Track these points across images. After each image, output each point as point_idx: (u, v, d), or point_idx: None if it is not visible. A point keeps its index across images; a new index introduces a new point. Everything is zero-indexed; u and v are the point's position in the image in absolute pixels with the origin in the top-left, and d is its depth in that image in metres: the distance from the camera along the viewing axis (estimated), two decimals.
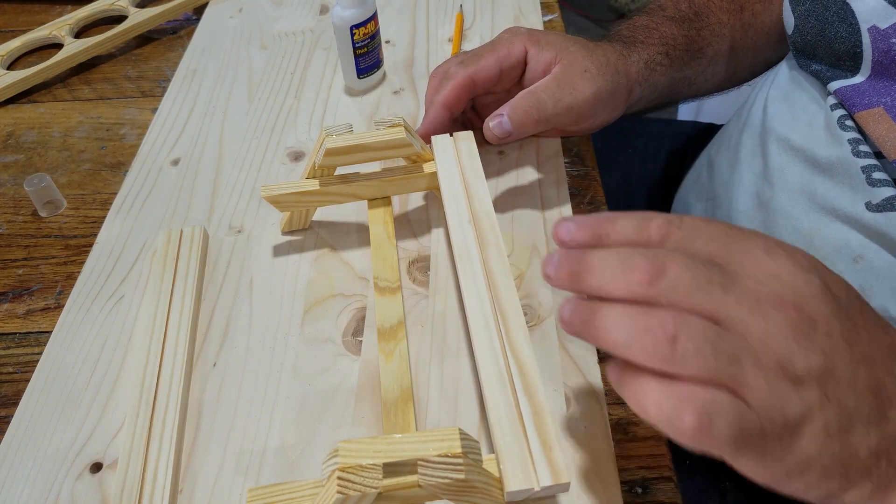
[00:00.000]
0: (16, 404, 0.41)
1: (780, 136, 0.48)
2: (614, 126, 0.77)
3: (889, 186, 0.39)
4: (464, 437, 0.28)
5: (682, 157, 0.74)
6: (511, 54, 0.47)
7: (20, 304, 0.47)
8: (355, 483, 0.27)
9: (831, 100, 0.44)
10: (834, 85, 0.43)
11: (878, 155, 0.41)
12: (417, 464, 0.27)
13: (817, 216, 0.43)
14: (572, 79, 0.46)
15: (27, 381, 0.42)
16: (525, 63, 0.48)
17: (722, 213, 0.54)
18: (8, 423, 0.40)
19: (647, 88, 0.51)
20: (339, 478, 0.27)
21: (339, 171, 0.46)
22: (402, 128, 0.43)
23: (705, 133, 0.76)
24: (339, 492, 0.27)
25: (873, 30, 0.39)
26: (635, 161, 0.74)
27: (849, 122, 0.42)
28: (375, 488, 0.27)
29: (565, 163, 0.53)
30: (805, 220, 0.44)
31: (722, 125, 0.76)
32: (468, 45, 0.66)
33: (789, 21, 0.48)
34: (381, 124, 0.43)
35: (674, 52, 0.52)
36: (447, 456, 0.27)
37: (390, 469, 0.27)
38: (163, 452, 0.37)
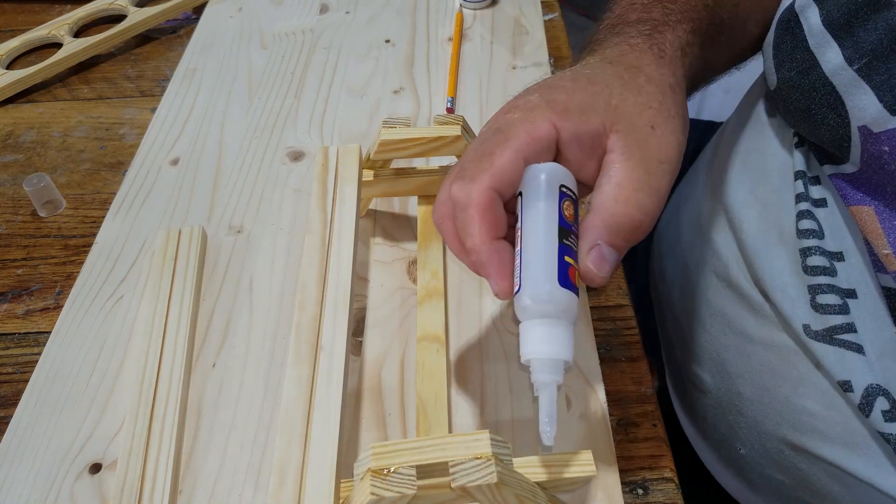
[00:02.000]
0: (15, 404, 0.41)
1: (736, 221, 0.44)
2: None
3: (836, 314, 0.36)
4: (494, 439, 0.28)
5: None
6: (536, 138, 0.31)
7: (19, 304, 0.47)
8: (389, 484, 0.27)
9: (799, 186, 0.39)
10: (828, 170, 0.39)
11: (838, 256, 0.37)
12: (448, 466, 0.27)
13: (774, 311, 0.40)
14: (649, 149, 0.32)
15: (26, 381, 0.42)
16: (557, 145, 0.32)
17: (688, 287, 0.50)
18: (7, 423, 0.40)
19: (689, 78, 0.39)
20: (373, 479, 0.27)
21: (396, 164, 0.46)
22: (460, 126, 0.42)
23: (705, 132, 0.75)
24: (372, 493, 0.27)
25: (864, 130, 0.34)
26: None
27: (808, 224, 0.38)
28: (412, 490, 0.27)
29: None
30: (762, 314, 0.41)
31: (719, 123, 0.76)
32: (468, 45, 0.66)
33: (771, 77, 0.41)
34: (439, 122, 0.43)
35: (700, 26, 0.40)
36: (478, 458, 0.27)
37: (422, 471, 0.28)
38: (163, 452, 0.37)
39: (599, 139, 0.32)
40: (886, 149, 0.33)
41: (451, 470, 0.27)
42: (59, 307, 0.46)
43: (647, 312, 0.63)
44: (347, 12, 0.71)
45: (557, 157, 0.32)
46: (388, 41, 0.67)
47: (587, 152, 0.32)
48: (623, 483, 0.36)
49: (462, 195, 0.31)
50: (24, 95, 0.65)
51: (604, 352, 0.42)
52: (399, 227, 0.49)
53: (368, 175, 0.46)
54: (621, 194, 0.30)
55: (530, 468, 0.32)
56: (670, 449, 0.38)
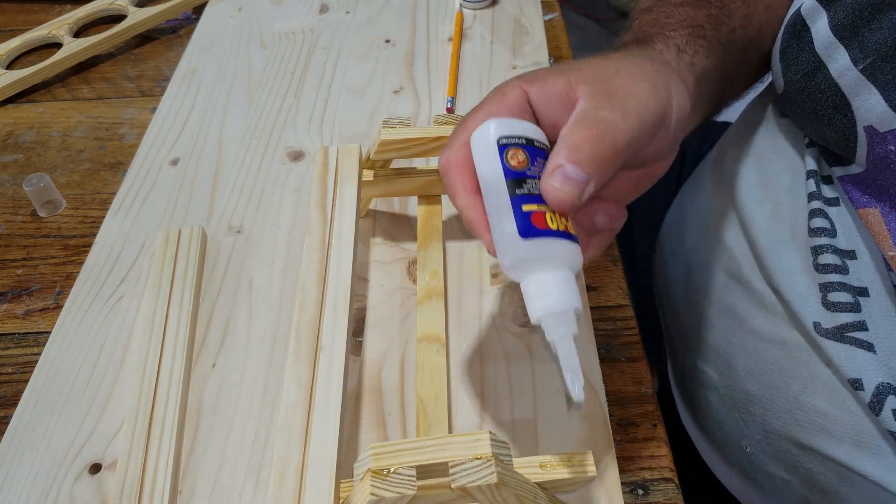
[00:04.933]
0: (15, 405, 0.41)
1: (747, 218, 0.44)
2: None
3: (847, 312, 0.36)
4: (494, 439, 0.28)
5: (681, 157, 0.74)
6: (505, 103, 0.31)
7: (19, 304, 0.47)
8: (389, 485, 0.27)
9: (811, 185, 0.40)
10: (837, 172, 0.39)
11: (849, 254, 0.37)
12: (448, 466, 0.27)
13: (785, 309, 0.41)
14: (614, 83, 0.31)
15: (26, 381, 0.42)
16: (532, 109, 0.32)
17: (694, 283, 0.50)
18: (7, 423, 0.40)
19: (699, 77, 0.37)
20: (373, 479, 0.27)
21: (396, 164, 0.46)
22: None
23: (707, 132, 0.75)
24: (372, 493, 0.27)
25: (870, 129, 0.35)
26: None
27: (819, 222, 0.38)
28: (412, 490, 0.27)
29: None
30: (774, 313, 0.41)
31: (722, 122, 0.75)
32: (468, 45, 0.66)
33: (779, 84, 0.42)
34: (439, 121, 0.43)
35: (702, 31, 0.39)
36: (478, 458, 0.27)
37: (423, 471, 0.28)
38: (162, 453, 0.37)
39: (567, 95, 0.31)
40: (892, 148, 0.34)
41: (451, 470, 0.27)
42: (58, 307, 0.46)
43: (649, 314, 0.63)
44: (347, 12, 0.71)
45: (533, 119, 0.32)
46: (388, 41, 0.67)
47: (558, 109, 0.31)
48: (623, 483, 0.36)
49: (442, 162, 0.32)
50: (24, 95, 0.65)
51: (604, 352, 0.42)
52: (399, 227, 0.49)
53: (368, 175, 0.46)
54: (581, 116, 0.30)
55: (530, 468, 0.32)
56: (671, 449, 0.38)
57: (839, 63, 0.36)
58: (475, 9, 0.70)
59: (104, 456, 0.38)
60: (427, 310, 0.42)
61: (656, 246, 0.62)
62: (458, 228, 0.49)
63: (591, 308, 0.44)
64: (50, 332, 0.44)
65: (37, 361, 0.43)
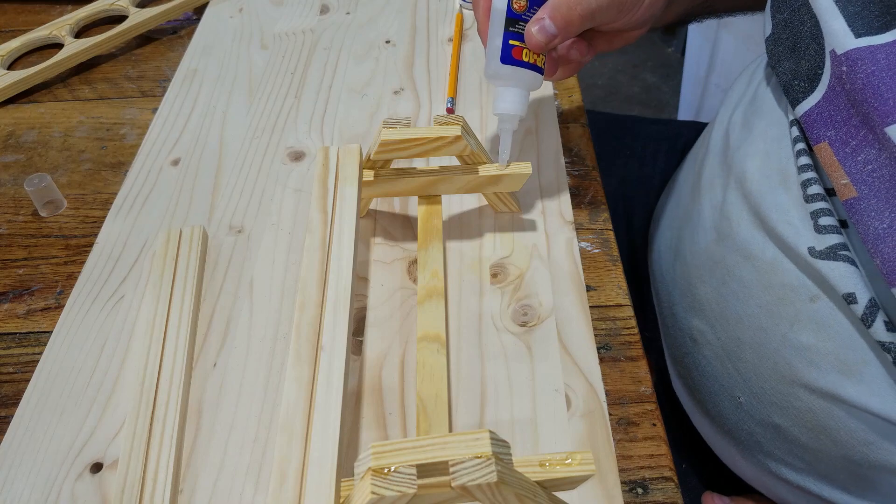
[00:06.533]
0: (16, 404, 0.41)
1: (738, 173, 0.46)
2: (611, 128, 0.77)
3: (835, 234, 0.38)
4: (494, 438, 0.28)
5: (680, 159, 0.74)
6: None
7: (20, 303, 0.47)
8: (390, 483, 0.27)
9: (794, 131, 0.42)
10: (800, 109, 0.42)
11: (831, 192, 0.40)
12: (449, 465, 0.27)
13: (773, 253, 0.42)
14: None
15: (27, 381, 0.42)
16: None
17: (685, 246, 0.52)
18: (8, 423, 0.40)
19: None
20: (374, 478, 0.27)
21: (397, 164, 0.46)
22: (460, 126, 0.43)
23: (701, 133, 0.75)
24: (372, 492, 0.27)
25: (832, 54, 0.38)
26: (633, 164, 0.74)
27: (804, 160, 0.41)
28: (412, 489, 0.27)
29: (565, 163, 0.53)
30: (761, 259, 0.43)
31: None
32: (468, 46, 0.66)
33: (767, 27, 0.47)
34: (439, 121, 0.43)
35: None
36: (478, 457, 0.27)
37: (423, 470, 0.28)
38: (163, 452, 0.37)
39: None
40: (845, 69, 0.37)
41: (451, 469, 0.27)
42: (60, 307, 0.46)
43: (648, 307, 0.63)
44: (348, 13, 0.71)
45: None
46: (388, 41, 0.67)
47: None
48: (623, 482, 0.36)
49: None
50: (25, 96, 0.65)
51: (604, 352, 0.42)
52: (399, 227, 0.49)
53: (369, 175, 0.46)
54: None
55: (530, 467, 0.32)
56: (670, 447, 0.38)
57: None
58: None
59: (105, 455, 0.38)
60: (427, 309, 0.42)
61: (651, 222, 0.64)
62: (458, 228, 0.49)
63: (591, 307, 0.44)
64: (51, 332, 0.44)
65: (38, 361, 0.43)
